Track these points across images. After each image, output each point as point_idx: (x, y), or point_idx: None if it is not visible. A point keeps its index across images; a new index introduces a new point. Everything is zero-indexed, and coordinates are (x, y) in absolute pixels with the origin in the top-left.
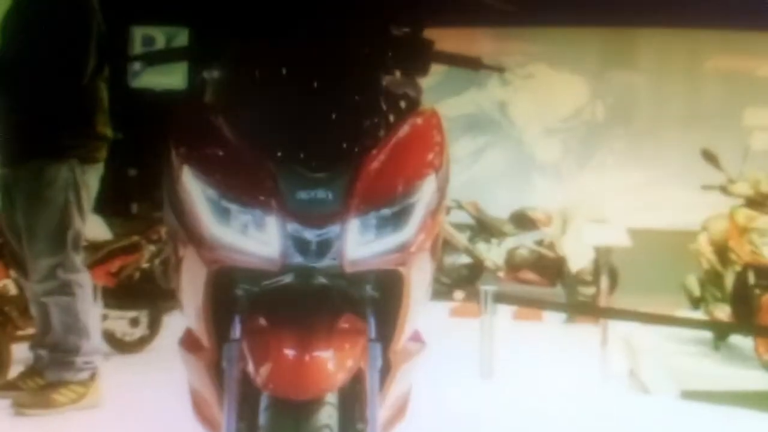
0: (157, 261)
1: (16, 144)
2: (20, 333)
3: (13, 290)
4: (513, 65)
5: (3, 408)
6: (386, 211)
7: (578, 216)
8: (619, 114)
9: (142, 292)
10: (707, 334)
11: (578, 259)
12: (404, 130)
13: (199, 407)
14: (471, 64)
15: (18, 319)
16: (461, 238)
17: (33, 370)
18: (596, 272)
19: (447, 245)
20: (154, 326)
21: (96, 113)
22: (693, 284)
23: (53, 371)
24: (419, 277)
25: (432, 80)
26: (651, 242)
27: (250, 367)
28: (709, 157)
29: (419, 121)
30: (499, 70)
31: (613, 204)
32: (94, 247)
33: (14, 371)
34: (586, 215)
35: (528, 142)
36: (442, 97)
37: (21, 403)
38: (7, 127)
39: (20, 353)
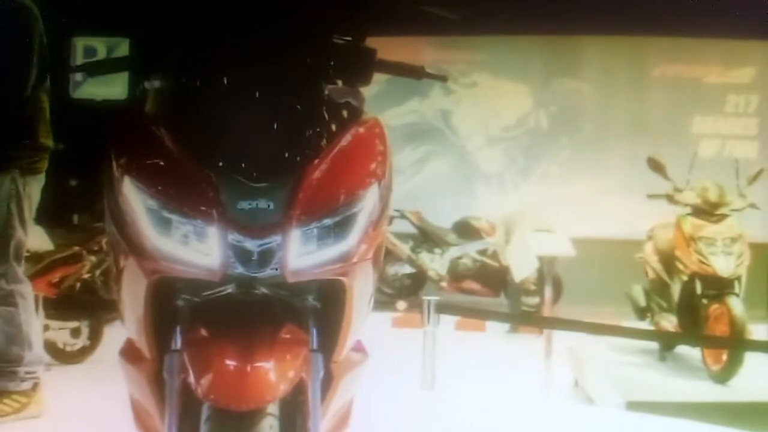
0: (98, 272)
1: None
2: None
3: None
4: (456, 74)
5: None
6: (328, 221)
7: (522, 225)
8: (564, 123)
9: (83, 303)
10: (653, 345)
11: (522, 268)
12: (346, 139)
13: (140, 418)
14: (413, 73)
15: None
16: (404, 248)
17: None
18: (540, 282)
19: (390, 255)
20: (95, 337)
21: (37, 124)
22: (639, 294)
23: None
24: (361, 288)
25: (374, 89)
26: (596, 252)
27: (191, 378)
28: (656, 166)
29: (362, 130)
30: (442, 79)
31: (557, 213)
32: (35, 257)
33: None
34: (530, 225)
35: (471, 152)
36: (385, 106)
37: None
38: None
39: None
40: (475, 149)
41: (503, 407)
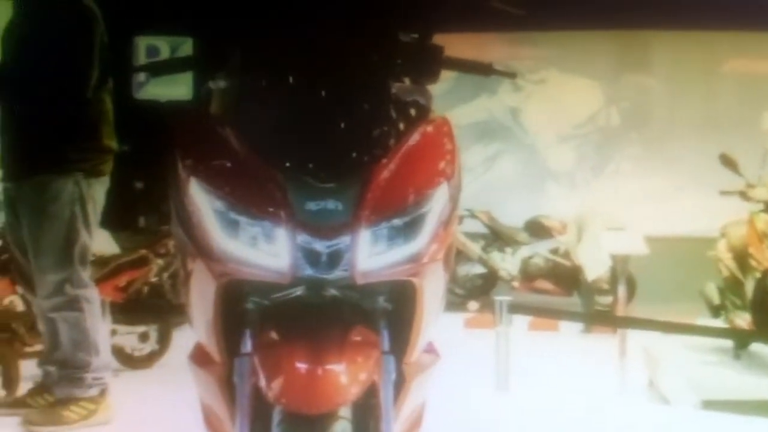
0: (165, 275)
1: (20, 158)
2: (28, 349)
3: (20, 306)
4: (524, 71)
5: (13, 426)
6: (397, 222)
7: (594, 224)
8: (635, 119)
9: (151, 307)
10: (728, 343)
11: (595, 267)
12: (415, 138)
13: (211, 423)
14: (482, 70)
15: (25, 336)
16: (475, 248)
17: (42, 387)
18: (613, 281)
19: (460, 255)
20: (163, 341)
21: (101, 126)
22: (712, 292)
23: (63, 388)
24: (432, 288)
25: (442, 87)
26: (669, 250)
27: (262, 382)
28: (728, 162)
29: (430, 129)
30: (511, 75)
31: (629, 211)
32: (101, 261)
33: (23, 388)
34: (602, 223)
35: (541, 149)
36: (453, 104)
37: (31, 420)
38: (10, 141)
39: (29, 370)
40: (544, 146)
41: (577, 408)
